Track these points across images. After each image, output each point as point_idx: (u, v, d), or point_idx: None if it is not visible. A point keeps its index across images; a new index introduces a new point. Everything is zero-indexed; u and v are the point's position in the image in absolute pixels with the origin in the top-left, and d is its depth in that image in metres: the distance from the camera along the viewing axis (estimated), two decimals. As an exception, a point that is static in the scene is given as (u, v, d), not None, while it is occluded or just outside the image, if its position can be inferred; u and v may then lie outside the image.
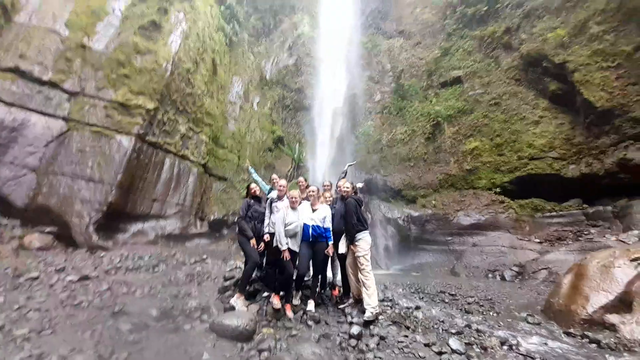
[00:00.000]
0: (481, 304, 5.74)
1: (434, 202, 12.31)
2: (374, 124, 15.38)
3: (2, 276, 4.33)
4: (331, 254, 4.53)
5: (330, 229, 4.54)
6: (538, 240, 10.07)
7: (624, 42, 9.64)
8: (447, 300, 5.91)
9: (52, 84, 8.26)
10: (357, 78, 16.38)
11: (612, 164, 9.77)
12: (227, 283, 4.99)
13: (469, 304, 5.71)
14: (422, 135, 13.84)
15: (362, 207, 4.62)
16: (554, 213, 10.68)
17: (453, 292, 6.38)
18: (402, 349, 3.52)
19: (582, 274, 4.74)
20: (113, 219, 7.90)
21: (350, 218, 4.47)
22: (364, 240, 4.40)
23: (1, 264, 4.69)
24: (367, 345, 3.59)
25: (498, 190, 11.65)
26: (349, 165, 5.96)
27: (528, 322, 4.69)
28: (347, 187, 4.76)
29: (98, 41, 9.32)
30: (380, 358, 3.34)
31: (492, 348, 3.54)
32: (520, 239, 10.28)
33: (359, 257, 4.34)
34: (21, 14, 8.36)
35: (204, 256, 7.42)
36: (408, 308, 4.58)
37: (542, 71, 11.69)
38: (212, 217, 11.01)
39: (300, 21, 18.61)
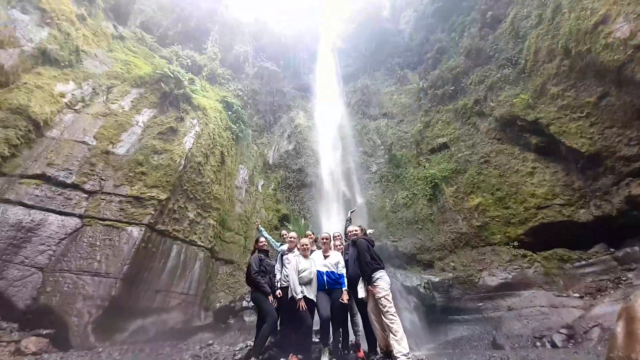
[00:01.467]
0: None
1: (452, 264, 11.58)
2: (375, 192, 15.88)
3: None
4: (346, 301, 4.15)
5: (344, 274, 4.35)
6: (578, 295, 9.05)
7: (586, 95, 10.33)
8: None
9: (74, 186, 8.97)
10: (352, 154, 17.81)
11: (620, 202, 9.59)
12: (239, 356, 4.41)
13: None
14: (423, 197, 14.10)
15: (374, 247, 4.47)
16: (584, 262, 9.91)
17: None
18: None
19: (633, 317, 4.13)
20: (113, 316, 7.34)
21: (364, 257, 4.32)
22: (382, 279, 4.17)
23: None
24: None
25: (516, 244, 11.12)
26: (351, 212, 6.01)
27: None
28: (356, 230, 4.75)
29: (121, 147, 10.57)
30: None
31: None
32: (559, 296, 9.25)
33: (379, 298, 4.03)
34: (53, 130, 9.67)
35: (210, 342, 6.61)
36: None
37: (519, 129, 12.73)
38: (217, 305, 10.19)
39: (296, 115, 21.47)
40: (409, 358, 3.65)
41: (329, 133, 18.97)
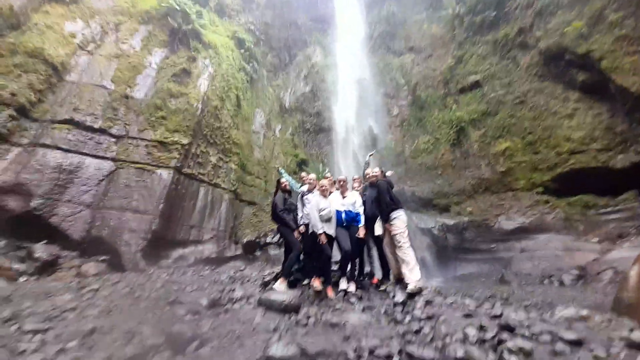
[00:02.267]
0: (539, 306, 5.20)
1: (469, 208, 11.72)
2: (395, 137, 15.41)
3: (67, 289, 4.78)
4: (362, 236, 4.52)
5: (361, 213, 4.66)
6: (596, 240, 9.10)
7: None
8: (500, 304, 5.40)
9: (102, 131, 9.31)
10: (372, 96, 16.80)
11: (666, 148, 8.89)
12: (268, 279, 5.22)
13: (525, 307, 5.18)
14: (446, 142, 13.57)
15: (393, 189, 4.64)
16: (609, 209, 9.69)
17: (505, 297, 5.86)
18: (450, 305, 3.56)
19: None
20: (157, 246, 8.37)
21: (383, 198, 4.52)
22: (399, 219, 4.43)
23: (64, 282, 5.15)
24: (413, 307, 3.61)
25: (540, 189, 10.89)
26: (370, 155, 6.05)
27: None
28: (376, 171, 4.87)
29: (138, 91, 10.53)
30: (428, 312, 3.37)
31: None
32: (576, 240, 9.36)
33: (395, 235, 4.35)
34: (72, 74, 9.68)
35: (242, 268, 7.64)
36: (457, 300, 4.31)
37: (565, 64, 11.28)
38: (245, 240, 11.27)
39: (313, 53, 19.86)
40: (419, 283, 4.04)
41: (348, 73, 17.65)
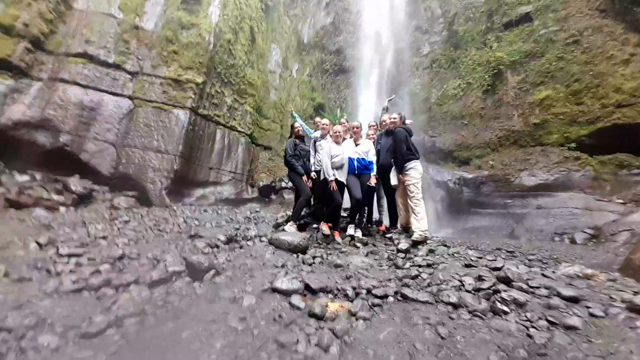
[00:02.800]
0: (545, 261, 5.30)
1: (491, 162, 11.23)
2: (422, 81, 14.15)
3: (100, 219, 5.37)
4: (373, 184, 4.52)
5: (374, 162, 4.59)
6: (621, 201, 8.69)
7: None
8: (503, 257, 5.57)
9: (116, 66, 9.11)
10: (402, 30, 14.93)
11: None
12: (280, 221, 5.52)
13: (529, 260, 5.31)
14: (479, 88, 12.35)
15: (411, 137, 4.46)
16: (645, 169, 8.98)
17: (511, 250, 5.98)
18: (452, 254, 3.67)
19: None
20: (180, 185, 8.91)
21: (400, 147, 4.35)
22: (414, 169, 4.33)
23: (99, 213, 5.74)
24: (415, 254, 3.78)
25: (573, 145, 10.09)
26: (389, 100, 5.66)
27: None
28: (395, 117, 4.64)
29: (148, 20, 9.89)
30: (429, 260, 3.49)
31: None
32: (599, 200, 8.98)
33: (408, 185, 4.30)
34: (79, 1, 9.11)
35: (257, 209, 8.13)
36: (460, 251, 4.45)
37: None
38: (261, 184, 11.71)
39: (337, -26, 17.23)
40: (425, 233, 4.11)
41: (376, 1, 15.44)
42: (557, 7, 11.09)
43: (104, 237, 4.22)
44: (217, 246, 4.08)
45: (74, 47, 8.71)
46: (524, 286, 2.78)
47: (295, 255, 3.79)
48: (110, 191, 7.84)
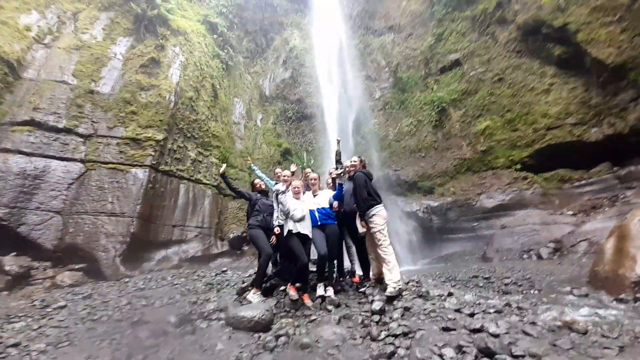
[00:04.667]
0: (519, 284, 5.38)
1: (452, 189, 11.91)
2: (378, 121, 15.28)
3: (30, 308, 4.53)
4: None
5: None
6: (571, 213, 9.46)
7: None
8: (481, 285, 5.58)
9: (67, 130, 8.74)
10: (354, 80, 16.45)
11: (636, 119, 9.17)
12: (245, 284, 4.97)
13: (505, 285, 5.36)
14: (428, 124, 13.57)
15: (372, 181, 4.42)
16: (584, 181, 10.05)
17: (487, 276, 6.03)
18: (428, 313, 3.35)
19: (625, 235, 4.36)
20: (137, 249, 8.11)
21: (360, 192, 4.19)
22: (377, 215, 4.16)
23: (31, 299, 4.88)
24: (390, 317, 3.43)
25: (518, 167, 11.14)
26: (338, 142, 5.52)
27: (574, 295, 4.32)
28: (355, 161, 4.55)
29: (104, 85, 9.88)
30: (405, 326, 3.15)
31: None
32: (552, 214, 9.70)
33: (374, 232, 4.12)
34: (29, 71, 8.97)
35: (224, 269, 7.46)
36: (440, 296, 4.30)
37: (543, 38, 11.29)
38: (231, 236, 11.11)
39: (291, 36, 19.07)
40: (398, 285, 3.89)
41: (328, 56, 17.11)
42: (481, 53, 13.07)
43: (16, 345, 3.42)
44: (164, 333, 3.50)
45: (20, 116, 8.31)
46: (508, 359, 2.49)
47: (256, 335, 3.34)
48: (53, 266, 6.90)
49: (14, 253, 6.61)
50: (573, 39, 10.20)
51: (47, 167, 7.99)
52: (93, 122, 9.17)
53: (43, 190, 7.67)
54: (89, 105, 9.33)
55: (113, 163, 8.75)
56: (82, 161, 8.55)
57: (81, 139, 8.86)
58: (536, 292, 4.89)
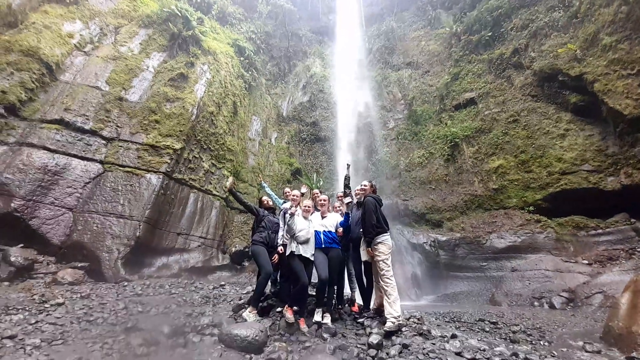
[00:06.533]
0: (529, 332, 5.06)
1: (462, 225, 11.63)
2: (390, 150, 15.44)
3: (29, 302, 4.51)
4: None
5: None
6: (587, 262, 9.03)
7: None
8: (487, 329, 5.27)
9: (93, 132, 9.16)
10: (369, 108, 16.91)
11: (656, 172, 8.96)
12: (242, 301, 4.83)
13: (514, 332, 5.04)
14: (440, 157, 13.61)
15: (382, 207, 4.34)
16: (600, 231, 9.68)
17: (494, 320, 5.70)
18: (427, 354, 3.15)
19: None
20: (140, 254, 8.12)
21: (370, 218, 4.09)
22: (383, 243, 4.05)
23: (31, 292, 4.88)
24: (387, 353, 3.24)
25: (531, 208, 10.87)
26: (348, 166, 5.46)
27: (586, 351, 4.03)
28: (365, 185, 4.47)
29: (134, 93, 10.48)
30: None
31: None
32: (566, 261, 9.27)
33: (378, 261, 4.00)
34: (66, 74, 9.60)
35: (223, 283, 7.31)
36: (442, 337, 4.08)
37: (559, 85, 11.48)
38: (233, 250, 11.02)
39: (313, 63, 20.06)
40: (398, 320, 3.73)
41: (347, 84, 17.81)
42: (496, 94, 13.33)
43: (12, 337, 3.42)
44: (156, 343, 3.42)
45: (51, 114, 8.80)
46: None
47: (248, 356, 3.24)
48: (56, 262, 6.95)
49: (21, 245, 6.71)
50: (590, 88, 10.31)
51: (67, 165, 8.31)
52: (117, 126, 9.61)
53: (60, 187, 7.92)
54: (116, 110, 9.84)
55: (130, 167, 9.03)
56: (101, 162, 8.86)
57: (104, 141, 9.25)
58: (546, 343, 4.58)
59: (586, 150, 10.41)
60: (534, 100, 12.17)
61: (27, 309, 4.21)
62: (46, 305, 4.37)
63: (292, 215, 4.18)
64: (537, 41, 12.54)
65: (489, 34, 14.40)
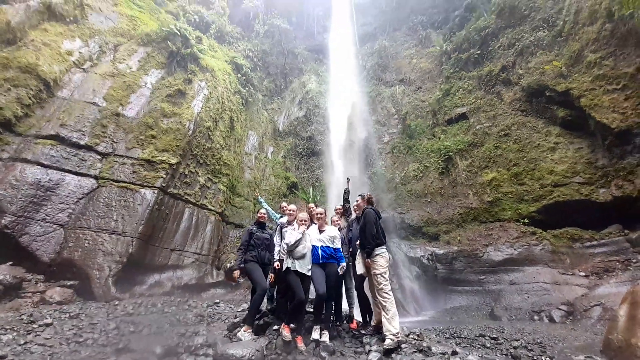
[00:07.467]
0: (530, 347, 4.98)
1: (458, 237, 11.62)
2: (385, 163, 15.60)
3: (17, 322, 4.32)
4: (341, 272, 4.13)
5: (341, 249, 4.28)
6: (583, 274, 9.03)
7: (625, 65, 9.68)
8: (488, 345, 5.17)
9: (88, 147, 9.14)
10: (364, 123, 17.21)
11: (645, 183, 9.15)
12: (237, 320, 4.69)
13: (515, 348, 4.95)
14: (435, 170, 13.78)
15: (380, 219, 4.29)
16: (595, 242, 9.75)
17: (495, 336, 5.60)
18: None
19: (638, 302, 4.12)
20: (132, 271, 7.91)
21: (370, 229, 4.01)
22: (381, 256, 3.99)
23: (19, 312, 4.69)
24: None
25: (526, 220, 10.94)
26: (348, 180, 5.42)
27: (589, 365, 3.97)
28: (357, 200, 4.43)
29: (131, 109, 10.55)
30: None
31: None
32: (563, 274, 9.26)
33: (376, 275, 3.91)
34: (64, 90, 9.66)
35: (217, 301, 7.10)
36: (443, 354, 3.99)
37: (547, 100, 11.86)
38: (228, 265, 10.79)
39: (308, 80, 20.54)
40: (397, 337, 3.64)
41: (342, 100, 18.20)
42: (486, 109, 13.71)
43: (2, 357, 3.33)
44: None
45: (47, 130, 8.79)
46: None
47: None
48: (45, 280, 6.73)
49: (10, 262, 6.52)
50: (577, 103, 10.66)
51: (61, 180, 8.22)
52: (113, 141, 9.61)
53: (52, 202, 7.80)
54: (112, 126, 9.87)
55: (125, 182, 8.96)
56: (95, 177, 8.79)
57: (99, 157, 9.22)
58: (548, 359, 4.50)
59: (576, 162, 10.64)
60: (524, 114, 12.53)
61: (15, 329, 4.04)
62: (34, 326, 4.20)
63: (291, 226, 4.12)
64: (523, 59, 13.06)
65: (478, 52, 14.99)
